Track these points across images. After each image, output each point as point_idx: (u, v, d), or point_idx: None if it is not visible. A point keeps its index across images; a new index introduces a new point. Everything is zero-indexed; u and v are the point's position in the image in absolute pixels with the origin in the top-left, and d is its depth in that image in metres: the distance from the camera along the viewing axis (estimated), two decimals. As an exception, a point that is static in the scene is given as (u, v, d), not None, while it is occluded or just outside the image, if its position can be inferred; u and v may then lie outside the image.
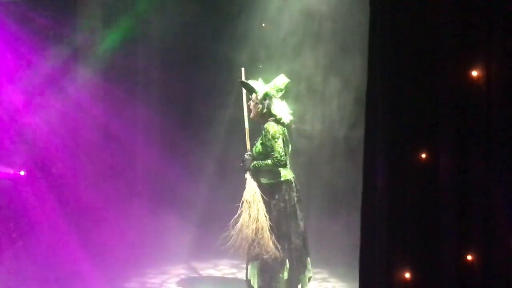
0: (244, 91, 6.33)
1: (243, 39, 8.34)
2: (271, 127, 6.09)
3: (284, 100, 6.25)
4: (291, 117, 6.23)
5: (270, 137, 6.05)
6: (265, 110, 6.15)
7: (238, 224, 6.02)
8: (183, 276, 7.49)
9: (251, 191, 6.08)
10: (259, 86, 6.23)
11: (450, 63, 3.82)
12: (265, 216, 6.02)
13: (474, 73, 3.76)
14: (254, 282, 6.13)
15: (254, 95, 6.22)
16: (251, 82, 6.25)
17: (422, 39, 3.87)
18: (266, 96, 6.16)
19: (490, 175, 3.76)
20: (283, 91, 6.22)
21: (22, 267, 7.43)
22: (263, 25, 8.47)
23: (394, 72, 3.92)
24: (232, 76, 7.16)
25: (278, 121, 6.16)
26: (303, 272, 6.21)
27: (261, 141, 6.14)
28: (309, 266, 6.26)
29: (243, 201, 6.07)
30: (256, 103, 6.19)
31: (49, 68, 8.07)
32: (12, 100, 7.99)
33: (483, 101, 3.77)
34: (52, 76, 8.12)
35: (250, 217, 6.00)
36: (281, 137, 6.08)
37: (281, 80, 6.22)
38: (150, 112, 8.97)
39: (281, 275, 6.09)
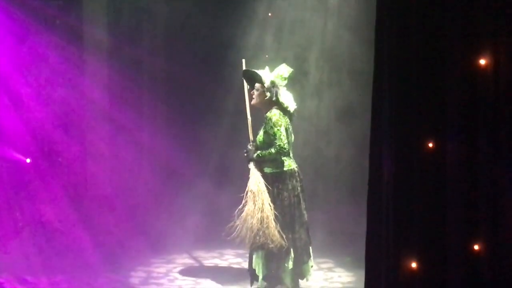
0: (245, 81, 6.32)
1: (250, 28, 8.32)
2: (273, 115, 6.09)
3: (288, 90, 6.26)
4: (295, 106, 6.24)
5: (272, 124, 6.05)
6: (274, 98, 6.14)
7: (243, 214, 6.03)
8: (188, 266, 7.50)
9: (255, 181, 6.08)
10: (266, 74, 6.22)
11: (458, 52, 3.79)
12: (270, 206, 6.02)
13: (482, 62, 3.73)
14: (259, 271, 6.14)
15: (257, 84, 6.21)
16: (258, 71, 6.25)
17: (430, 27, 3.84)
18: (273, 83, 6.15)
19: (497, 164, 3.73)
20: (287, 80, 6.22)
21: (28, 256, 7.45)
22: (270, 14, 8.45)
23: (401, 61, 3.89)
24: (237, 66, 7.13)
25: (284, 110, 6.15)
26: (307, 262, 6.22)
27: (264, 130, 6.14)
28: (311, 255, 6.27)
29: (247, 191, 6.07)
30: (263, 91, 6.18)
31: (54, 57, 8.07)
32: (18, 89, 7.99)
33: (491, 90, 3.74)
34: (58, 65, 8.12)
35: (254, 207, 6.00)
36: (283, 125, 6.08)
37: (284, 69, 6.22)
38: (156, 101, 8.96)
39: (286, 264, 6.10)
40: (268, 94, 6.15)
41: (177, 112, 8.80)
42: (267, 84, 6.16)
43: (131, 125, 8.68)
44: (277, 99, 6.14)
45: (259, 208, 6.00)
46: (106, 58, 8.43)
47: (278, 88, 6.16)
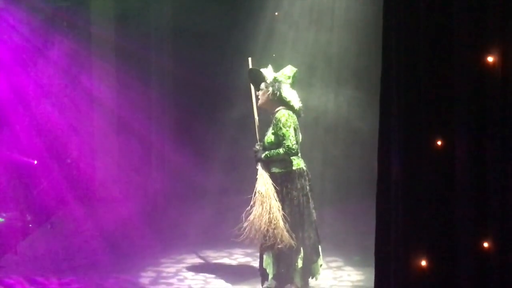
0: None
1: (257, 27, 8.33)
2: (282, 115, 6.09)
3: (293, 89, 6.27)
4: (300, 104, 6.23)
5: (281, 125, 6.05)
6: (275, 91, 6.13)
7: (251, 216, 6.03)
8: (198, 265, 7.51)
9: (263, 182, 6.08)
10: (269, 72, 6.24)
11: (466, 49, 3.78)
12: (278, 206, 6.02)
13: (490, 59, 3.72)
14: (270, 271, 6.15)
15: (262, 84, 6.23)
16: (261, 69, 6.26)
17: (438, 24, 3.84)
18: (276, 80, 6.17)
19: (506, 161, 3.72)
20: (291, 79, 6.23)
21: (38, 256, 7.48)
22: (276, 13, 8.46)
23: (409, 59, 3.89)
24: (244, 65, 7.16)
25: (288, 105, 6.14)
26: (316, 261, 6.22)
27: (272, 131, 6.13)
28: (321, 254, 6.27)
29: (255, 192, 6.07)
30: (266, 88, 6.19)
31: (62, 58, 8.10)
32: (27, 90, 8.02)
33: (499, 87, 3.72)
34: (66, 66, 8.15)
35: (263, 207, 6.00)
36: (292, 125, 6.08)
37: (289, 69, 6.24)
38: (163, 101, 8.98)
39: (296, 264, 6.11)
40: (270, 89, 6.16)
41: (185, 112, 8.81)
42: (269, 80, 6.19)
43: (139, 125, 8.71)
44: (280, 94, 6.14)
45: (267, 209, 6.00)
46: (113, 58, 8.46)
47: (280, 83, 6.17)
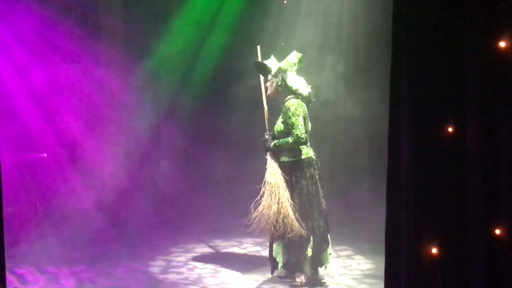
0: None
1: (266, 16, 8.30)
2: (292, 104, 6.07)
3: (300, 76, 6.24)
4: (309, 90, 6.21)
5: (290, 114, 6.04)
6: (280, 83, 6.13)
7: (261, 206, 6.03)
8: (207, 254, 7.52)
9: (272, 171, 6.07)
10: (272, 63, 6.22)
11: (478, 34, 3.74)
12: (288, 195, 6.01)
13: (502, 44, 3.68)
14: (280, 260, 6.16)
15: (269, 75, 6.21)
16: (265, 61, 6.25)
17: (449, 9, 3.80)
18: (280, 70, 6.15)
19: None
20: (297, 65, 6.20)
21: (49, 246, 7.51)
22: (285, 2, 8.42)
23: (420, 44, 3.85)
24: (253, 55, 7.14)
25: (295, 93, 6.13)
26: (326, 249, 6.21)
27: (282, 120, 6.12)
28: (330, 243, 6.27)
29: (264, 182, 6.06)
30: (272, 80, 6.19)
31: (73, 49, 8.10)
32: (36, 82, 8.03)
33: (510, 73, 3.68)
34: (77, 57, 8.15)
35: (272, 197, 6.00)
36: (301, 114, 6.06)
37: (294, 55, 6.22)
38: (174, 92, 8.97)
39: (305, 252, 6.10)
40: (274, 80, 6.16)
41: (195, 101, 8.80)
42: (273, 71, 6.18)
43: (149, 115, 8.71)
44: (285, 83, 6.13)
45: (277, 199, 5.99)
46: (123, 48, 8.45)
47: (285, 73, 6.15)
